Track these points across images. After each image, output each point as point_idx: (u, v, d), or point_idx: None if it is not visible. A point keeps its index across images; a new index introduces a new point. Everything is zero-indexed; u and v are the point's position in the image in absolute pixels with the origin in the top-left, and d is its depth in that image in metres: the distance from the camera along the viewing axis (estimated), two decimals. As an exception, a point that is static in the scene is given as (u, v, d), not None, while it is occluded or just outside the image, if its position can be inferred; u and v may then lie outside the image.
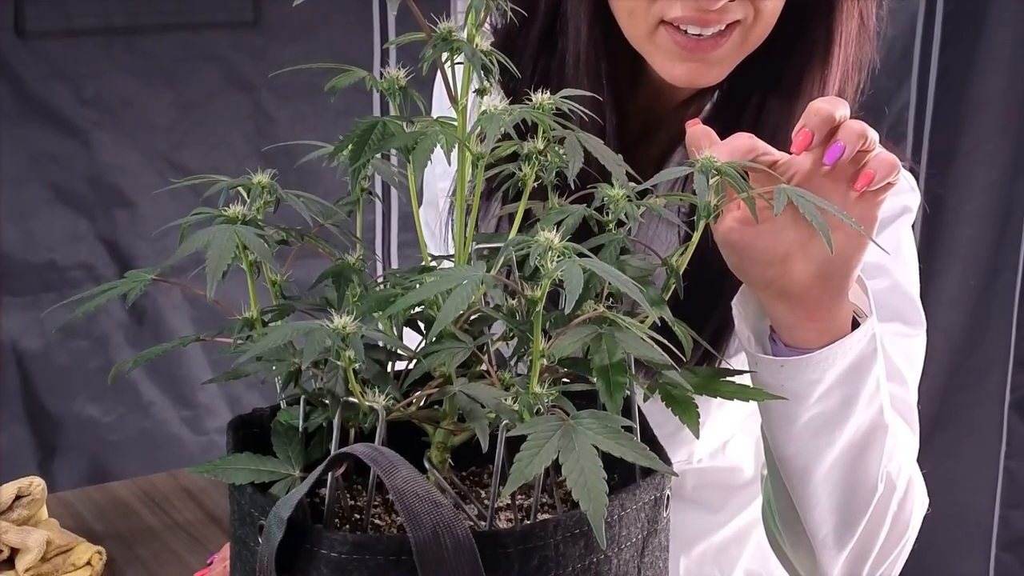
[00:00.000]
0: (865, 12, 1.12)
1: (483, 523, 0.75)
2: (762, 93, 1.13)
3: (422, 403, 0.76)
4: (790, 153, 0.88)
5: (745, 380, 0.82)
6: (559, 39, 1.14)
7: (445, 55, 0.75)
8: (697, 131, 0.88)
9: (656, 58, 1.08)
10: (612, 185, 0.79)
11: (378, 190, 2.58)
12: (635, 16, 1.06)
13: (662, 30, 1.05)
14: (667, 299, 0.80)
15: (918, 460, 1.14)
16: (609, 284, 0.73)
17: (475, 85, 0.76)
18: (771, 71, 1.12)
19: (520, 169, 0.80)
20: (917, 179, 1.25)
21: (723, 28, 1.05)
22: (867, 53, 1.14)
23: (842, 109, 0.88)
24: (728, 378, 0.81)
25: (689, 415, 0.77)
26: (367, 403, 0.71)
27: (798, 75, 1.11)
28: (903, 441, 1.10)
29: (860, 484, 1.04)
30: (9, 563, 1.34)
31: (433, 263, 0.83)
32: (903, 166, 1.13)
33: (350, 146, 0.74)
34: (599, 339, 0.72)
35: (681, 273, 0.82)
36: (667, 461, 0.72)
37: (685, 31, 1.04)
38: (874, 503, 1.05)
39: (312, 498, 0.74)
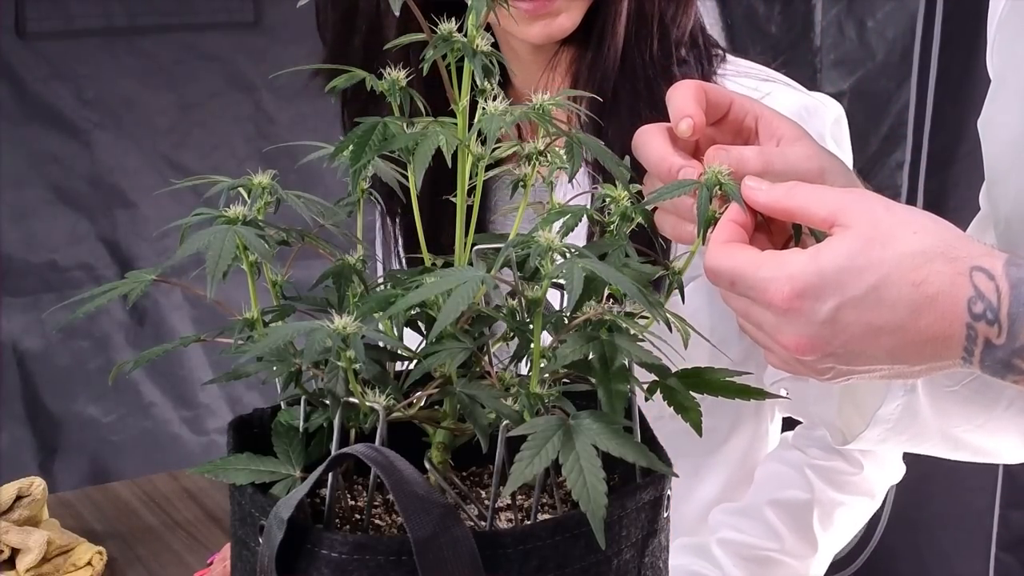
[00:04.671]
0: None
1: (483, 523, 0.75)
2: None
3: (422, 403, 0.76)
4: None
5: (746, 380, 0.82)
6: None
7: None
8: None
9: (513, 27, 1.21)
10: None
11: (378, 190, 2.58)
12: None
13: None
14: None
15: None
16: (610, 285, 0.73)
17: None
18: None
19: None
20: (916, 179, 1.27)
21: None
22: None
23: None
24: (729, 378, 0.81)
25: (692, 416, 0.77)
26: (367, 403, 0.71)
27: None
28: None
29: None
30: (10, 563, 1.35)
31: (434, 264, 0.83)
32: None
33: (351, 147, 0.74)
34: (600, 346, 0.72)
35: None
36: (667, 462, 0.72)
37: None
38: None
39: (312, 498, 0.74)
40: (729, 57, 1.29)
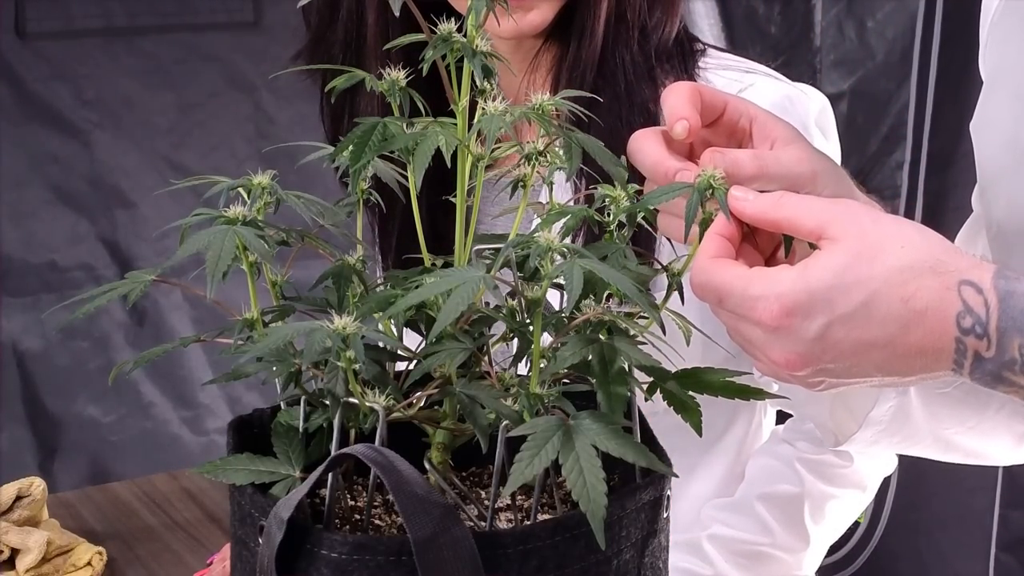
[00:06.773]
0: None
1: (483, 523, 0.75)
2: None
3: (422, 404, 0.76)
4: None
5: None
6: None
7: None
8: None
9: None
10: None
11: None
12: None
13: None
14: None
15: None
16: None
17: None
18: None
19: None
20: (916, 179, 1.27)
21: None
22: None
23: None
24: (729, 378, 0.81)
25: (692, 417, 0.77)
26: (367, 404, 0.71)
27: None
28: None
29: None
30: (10, 563, 1.35)
31: (433, 263, 0.83)
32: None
33: (350, 147, 0.74)
34: (599, 349, 0.72)
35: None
36: (667, 462, 0.72)
37: None
38: None
39: (312, 498, 0.74)
40: (710, 50, 1.28)
